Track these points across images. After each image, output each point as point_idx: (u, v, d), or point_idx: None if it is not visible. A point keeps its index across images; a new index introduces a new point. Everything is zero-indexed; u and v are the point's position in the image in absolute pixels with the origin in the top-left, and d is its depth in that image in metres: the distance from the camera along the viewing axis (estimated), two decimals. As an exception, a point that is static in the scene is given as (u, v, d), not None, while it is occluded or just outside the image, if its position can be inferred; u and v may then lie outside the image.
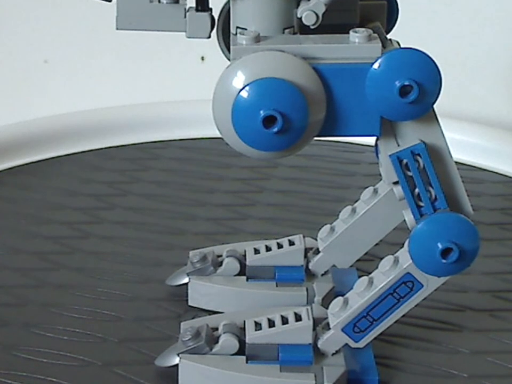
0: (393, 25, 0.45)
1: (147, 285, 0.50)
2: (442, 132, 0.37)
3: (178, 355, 0.41)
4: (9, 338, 0.46)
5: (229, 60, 0.46)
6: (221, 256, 0.49)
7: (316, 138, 0.36)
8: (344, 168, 0.65)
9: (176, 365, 0.42)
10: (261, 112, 0.34)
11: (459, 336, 0.46)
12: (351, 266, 0.48)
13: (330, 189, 0.62)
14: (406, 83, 0.34)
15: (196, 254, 0.49)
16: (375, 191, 0.46)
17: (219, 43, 0.46)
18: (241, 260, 0.48)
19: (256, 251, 0.49)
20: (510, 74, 0.71)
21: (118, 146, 0.68)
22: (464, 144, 0.64)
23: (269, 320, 0.42)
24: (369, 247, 0.47)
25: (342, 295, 0.47)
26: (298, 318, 0.42)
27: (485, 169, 0.64)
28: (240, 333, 0.42)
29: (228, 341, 0.41)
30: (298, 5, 0.38)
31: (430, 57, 0.35)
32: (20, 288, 0.50)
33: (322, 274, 0.48)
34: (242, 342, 0.41)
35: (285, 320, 0.42)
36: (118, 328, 0.46)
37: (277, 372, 0.40)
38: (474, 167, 0.64)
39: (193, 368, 0.41)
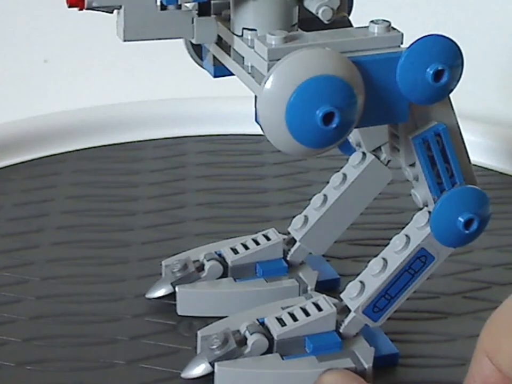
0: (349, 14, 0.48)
1: (124, 302, 0.50)
2: (454, 111, 0.41)
3: (210, 363, 0.42)
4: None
5: (199, 65, 0.47)
6: (197, 261, 0.50)
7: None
8: (251, 160, 0.67)
9: (206, 375, 0.43)
10: (320, 109, 0.35)
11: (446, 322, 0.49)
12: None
13: (249, 181, 0.64)
14: (440, 67, 0.37)
15: (175, 263, 0.50)
16: (344, 176, 0.49)
17: (187, 49, 0.46)
18: (222, 261, 0.50)
19: (235, 250, 0.50)
20: (508, 73, 0.76)
21: (12, 166, 0.66)
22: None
23: (290, 314, 0.44)
24: (342, 232, 0.50)
25: (325, 282, 0.50)
26: (318, 307, 0.44)
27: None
28: (265, 331, 0.43)
29: (259, 341, 0.43)
30: (301, 1, 0.40)
31: (452, 41, 0.38)
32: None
33: (300, 264, 0.51)
34: (269, 340, 0.43)
35: (306, 312, 0.44)
36: (119, 350, 0.46)
37: (315, 363, 0.42)
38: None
39: (232, 373, 0.42)
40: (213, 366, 0.43)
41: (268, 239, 0.51)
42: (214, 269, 0.49)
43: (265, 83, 0.36)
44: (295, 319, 0.44)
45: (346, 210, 0.49)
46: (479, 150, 0.65)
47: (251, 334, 0.43)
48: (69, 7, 0.39)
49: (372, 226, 0.57)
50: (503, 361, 0.35)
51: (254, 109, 0.41)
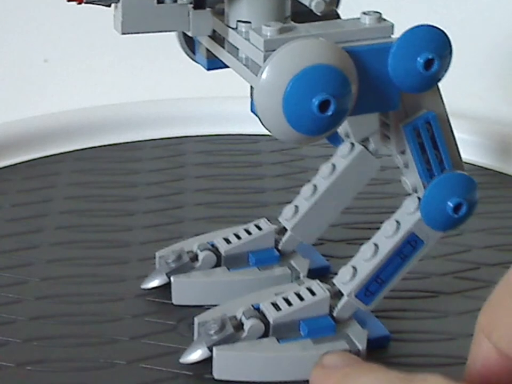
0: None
1: (124, 302, 0.51)
2: (442, 99, 0.43)
3: (209, 348, 0.44)
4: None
5: (191, 58, 0.49)
6: (191, 251, 0.52)
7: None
8: (249, 160, 0.69)
9: (203, 360, 0.45)
10: (316, 97, 0.37)
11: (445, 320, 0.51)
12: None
13: (247, 181, 0.66)
14: (430, 56, 0.39)
15: (169, 254, 0.51)
16: (333, 166, 0.50)
17: (180, 42, 0.49)
18: (215, 251, 0.52)
19: (227, 241, 0.52)
20: (508, 73, 0.78)
21: (10, 166, 0.67)
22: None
23: (284, 299, 0.46)
24: (332, 221, 0.52)
25: (315, 270, 0.52)
26: (311, 292, 0.46)
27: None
28: (260, 316, 0.45)
29: (255, 325, 0.45)
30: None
31: (442, 31, 0.40)
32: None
33: (291, 252, 0.53)
34: (265, 324, 0.45)
35: (300, 297, 0.46)
36: (119, 350, 0.47)
37: (311, 345, 0.44)
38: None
39: (230, 357, 0.44)
40: (211, 350, 0.45)
41: (260, 228, 0.52)
42: (208, 259, 0.51)
43: (262, 74, 0.38)
44: (289, 303, 0.46)
45: (336, 200, 0.51)
46: (479, 149, 0.67)
47: (247, 319, 0.45)
48: (68, 1, 0.41)
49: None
50: (500, 338, 0.35)
51: (250, 99, 0.43)
